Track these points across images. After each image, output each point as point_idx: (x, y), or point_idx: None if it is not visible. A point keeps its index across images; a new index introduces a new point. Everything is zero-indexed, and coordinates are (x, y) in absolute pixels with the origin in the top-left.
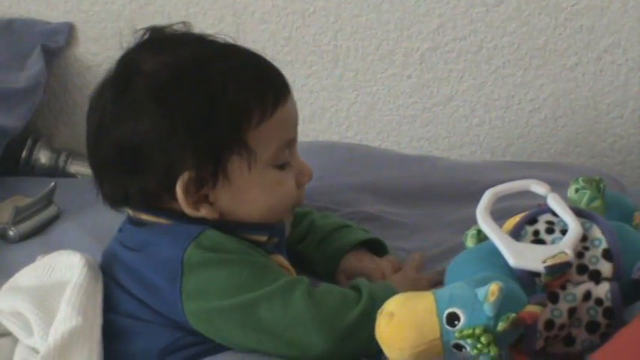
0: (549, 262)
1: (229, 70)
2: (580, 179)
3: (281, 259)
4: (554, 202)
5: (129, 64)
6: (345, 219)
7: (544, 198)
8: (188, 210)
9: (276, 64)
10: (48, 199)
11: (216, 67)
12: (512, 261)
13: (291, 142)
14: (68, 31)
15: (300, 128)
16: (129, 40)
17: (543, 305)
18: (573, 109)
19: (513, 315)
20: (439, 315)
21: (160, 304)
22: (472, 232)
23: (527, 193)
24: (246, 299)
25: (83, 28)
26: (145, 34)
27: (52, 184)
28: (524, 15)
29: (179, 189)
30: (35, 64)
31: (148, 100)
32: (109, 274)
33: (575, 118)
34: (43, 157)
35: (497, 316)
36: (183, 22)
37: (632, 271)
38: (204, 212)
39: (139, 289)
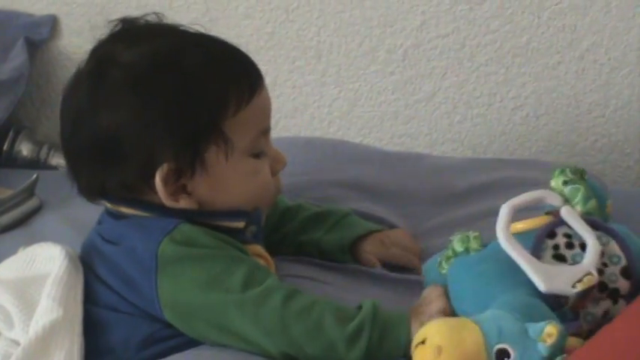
0: (580, 287)
1: (205, 60)
2: (567, 170)
3: (258, 249)
4: (569, 216)
5: (103, 56)
6: (341, 208)
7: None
8: (167, 201)
9: (259, 59)
10: (30, 191)
11: (193, 57)
12: (542, 286)
13: (265, 131)
14: (51, 24)
15: (282, 123)
16: (104, 33)
17: (581, 336)
18: (555, 108)
19: (566, 356)
20: (488, 350)
21: (137, 298)
22: (459, 236)
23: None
24: (219, 300)
25: (67, 20)
26: (116, 25)
27: (34, 176)
28: (507, 13)
29: (158, 180)
30: (18, 57)
31: (125, 91)
32: (89, 266)
33: (557, 117)
34: (25, 149)
35: (551, 356)
36: (156, 13)
37: None
38: (183, 203)
39: (117, 283)
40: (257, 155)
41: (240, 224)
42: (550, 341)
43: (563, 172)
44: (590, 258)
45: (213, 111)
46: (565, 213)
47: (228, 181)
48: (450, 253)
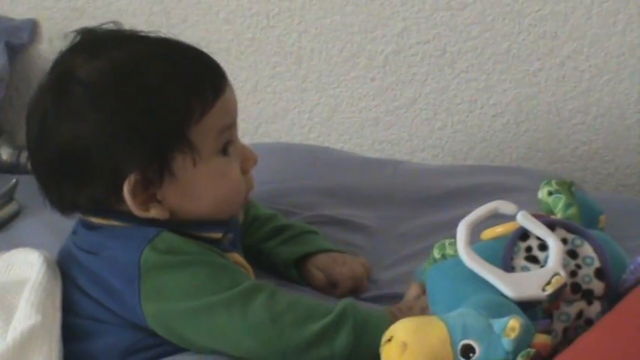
0: (550, 290)
1: (166, 70)
2: (553, 182)
3: (237, 257)
4: (526, 221)
5: (64, 71)
6: (309, 226)
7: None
8: (137, 212)
9: (240, 64)
10: (9, 196)
11: (153, 68)
12: (513, 295)
13: (230, 126)
14: (32, 28)
15: (263, 129)
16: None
17: (550, 333)
18: (536, 115)
19: (533, 351)
20: (453, 346)
21: (119, 307)
22: (437, 244)
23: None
24: (205, 303)
25: (47, 24)
26: (76, 36)
27: (14, 180)
28: (488, 20)
29: (126, 192)
30: None
31: (87, 107)
32: (67, 275)
33: (538, 124)
34: (5, 153)
35: (516, 351)
36: (114, 22)
37: (617, 286)
38: (153, 212)
39: (98, 292)
40: (224, 151)
41: (218, 235)
42: (513, 335)
43: (549, 183)
44: (553, 258)
45: (177, 120)
46: (521, 218)
47: (197, 186)
48: (431, 260)
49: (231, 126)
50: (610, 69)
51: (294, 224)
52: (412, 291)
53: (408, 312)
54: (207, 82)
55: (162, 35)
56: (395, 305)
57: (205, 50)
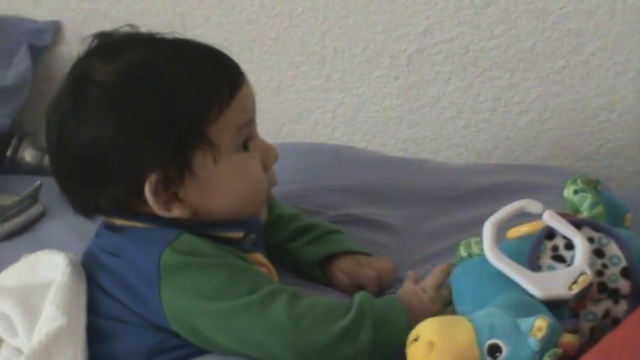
0: (576, 289)
1: (182, 70)
2: (578, 180)
3: (259, 257)
4: (552, 220)
5: (81, 74)
6: (334, 225)
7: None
8: (160, 211)
9: (263, 64)
10: (33, 198)
11: (169, 68)
12: (539, 294)
13: (249, 122)
14: (55, 30)
15: (286, 129)
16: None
17: (576, 332)
18: (560, 112)
19: (560, 351)
20: (480, 345)
21: (142, 308)
22: (463, 242)
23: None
24: (224, 307)
25: (70, 26)
26: (93, 40)
27: (38, 182)
28: (512, 18)
29: (148, 192)
30: (21, 63)
31: (105, 109)
32: (91, 277)
33: (562, 121)
34: (28, 155)
35: (543, 351)
36: (130, 25)
37: None
38: (176, 212)
39: (122, 294)
40: (245, 147)
41: (239, 234)
42: (540, 335)
43: (574, 182)
44: (580, 257)
45: (195, 118)
46: (547, 217)
47: (219, 182)
48: (457, 258)
49: (250, 122)
50: (634, 66)
51: (320, 224)
52: (433, 280)
53: (432, 305)
54: (223, 79)
55: (178, 36)
56: (405, 288)
57: (228, 50)
